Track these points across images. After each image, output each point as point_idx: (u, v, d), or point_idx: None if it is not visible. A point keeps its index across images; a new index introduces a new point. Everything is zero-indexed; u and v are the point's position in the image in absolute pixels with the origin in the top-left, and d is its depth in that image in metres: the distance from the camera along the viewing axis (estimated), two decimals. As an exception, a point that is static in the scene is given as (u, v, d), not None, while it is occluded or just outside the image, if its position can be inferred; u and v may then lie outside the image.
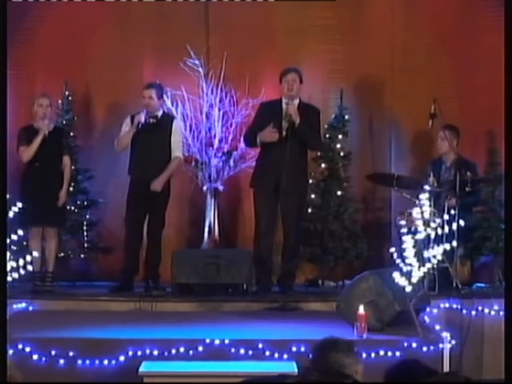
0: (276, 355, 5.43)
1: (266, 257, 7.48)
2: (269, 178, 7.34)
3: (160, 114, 7.64)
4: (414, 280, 5.56)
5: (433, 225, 5.74)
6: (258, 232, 7.53)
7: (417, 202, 6.34)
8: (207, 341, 5.53)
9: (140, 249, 7.61)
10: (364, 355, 5.43)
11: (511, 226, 5.07)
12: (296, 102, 7.50)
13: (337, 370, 3.11)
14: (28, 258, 5.87)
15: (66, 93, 8.20)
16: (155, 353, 5.45)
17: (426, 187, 6.33)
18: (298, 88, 7.52)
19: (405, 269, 5.57)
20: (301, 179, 7.51)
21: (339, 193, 8.08)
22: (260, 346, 5.48)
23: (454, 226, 6.15)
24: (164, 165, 7.53)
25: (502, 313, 6.25)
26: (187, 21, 8.40)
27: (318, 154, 8.13)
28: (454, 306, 6.74)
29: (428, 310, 6.47)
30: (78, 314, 6.74)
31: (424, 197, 5.87)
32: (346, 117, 8.21)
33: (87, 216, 8.14)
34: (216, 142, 8.12)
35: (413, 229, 5.79)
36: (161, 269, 7.60)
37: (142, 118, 7.47)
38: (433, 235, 5.65)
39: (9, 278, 5.65)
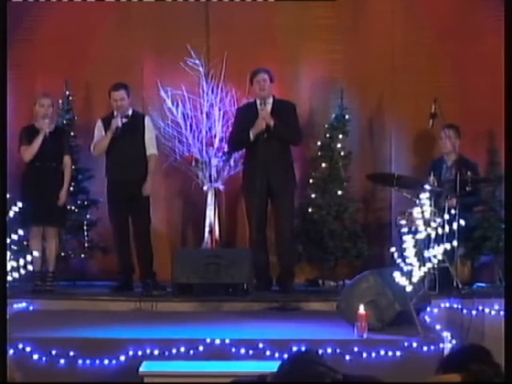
0: (276, 355, 5.42)
1: (260, 256, 7.49)
2: (256, 181, 7.36)
3: (130, 113, 7.65)
4: (415, 280, 5.56)
5: (433, 224, 5.74)
6: (251, 233, 7.61)
7: (417, 201, 6.34)
8: (208, 340, 5.53)
9: (130, 248, 7.63)
10: (364, 355, 5.44)
11: (511, 226, 5.07)
12: (270, 101, 7.58)
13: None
14: (28, 257, 5.87)
15: (67, 93, 8.21)
16: (156, 353, 5.45)
17: (427, 187, 6.34)
18: (270, 87, 7.59)
19: (405, 268, 5.57)
20: (287, 177, 7.58)
21: (339, 192, 8.07)
22: (260, 345, 5.48)
23: (455, 225, 6.15)
24: (140, 163, 7.54)
25: (502, 312, 6.24)
26: (187, 21, 8.39)
27: (319, 153, 8.14)
28: (455, 305, 6.75)
29: (428, 309, 6.48)
30: (79, 313, 6.73)
31: (424, 196, 5.87)
32: (347, 116, 8.20)
33: (87, 216, 8.15)
34: (216, 142, 8.12)
35: (413, 228, 5.79)
36: (161, 268, 7.60)
37: (118, 122, 7.49)
38: (433, 235, 5.65)
39: (9, 278, 5.65)
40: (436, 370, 2.94)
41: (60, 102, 8.17)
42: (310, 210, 8.04)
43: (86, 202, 8.16)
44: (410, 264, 5.55)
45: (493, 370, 2.75)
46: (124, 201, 7.53)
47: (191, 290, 7.26)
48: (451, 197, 7.19)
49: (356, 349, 5.47)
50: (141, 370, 5.19)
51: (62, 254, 7.92)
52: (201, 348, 5.49)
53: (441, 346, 5.56)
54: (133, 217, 7.60)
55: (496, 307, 6.58)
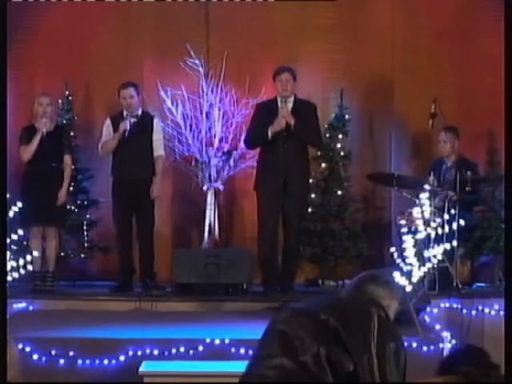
0: (276, 355, 5.41)
1: (272, 258, 7.46)
2: (271, 180, 7.28)
3: (140, 112, 7.64)
4: (415, 280, 5.56)
5: (433, 224, 5.75)
6: (262, 234, 7.48)
7: (417, 201, 6.34)
8: (207, 340, 5.53)
9: (131, 248, 7.62)
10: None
11: (511, 226, 5.07)
12: (291, 100, 7.45)
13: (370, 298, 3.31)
14: (28, 257, 5.86)
15: (66, 92, 8.21)
16: (155, 352, 5.45)
17: (427, 187, 6.34)
18: (293, 87, 7.44)
19: (405, 268, 5.57)
20: (302, 179, 7.49)
21: (339, 192, 8.08)
22: (260, 345, 5.47)
23: (455, 225, 6.15)
24: (147, 164, 7.54)
25: (502, 312, 6.24)
26: (187, 21, 8.40)
27: (319, 153, 8.14)
28: (455, 305, 6.74)
29: (428, 309, 6.47)
30: (78, 313, 6.73)
31: (424, 196, 5.88)
32: (346, 116, 8.21)
33: (87, 215, 8.15)
34: (216, 142, 8.12)
35: (413, 228, 5.79)
36: (161, 268, 7.61)
37: (127, 125, 7.45)
38: (433, 235, 5.66)
39: (9, 278, 5.64)
40: (436, 372, 2.98)
41: (60, 101, 8.17)
42: (309, 209, 8.04)
43: (85, 202, 8.17)
44: (410, 264, 5.55)
45: (483, 371, 2.79)
46: (129, 201, 7.51)
47: (191, 289, 7.27)
48: (451, 196, 7.19)
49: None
50: (141, 369, 5.18)
51: (62, 254, 7.92)
52: (200, 348, 5.50)
53: (440, 345, 5.56)
54: (137, 218, 7.57)
55: (496, 307, 6.58)
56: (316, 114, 7.52)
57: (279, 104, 7.41)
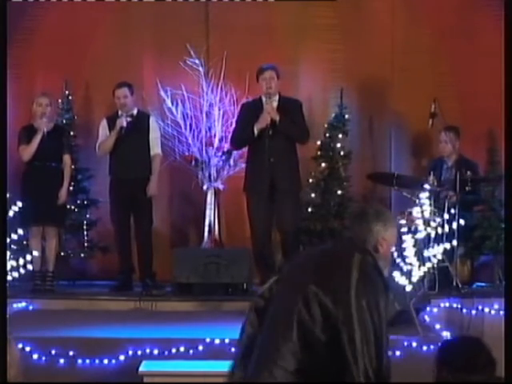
0: (276, 354, 5.41)
1: (267, 257, 7.44)
2: (261, 180, 7.22)
3: (135, 112, 7.65)
4: (414, 279, 5.57)
5: (433, 224, 5.76)
6: (255, 235, 7.43)
7: (417, 201, 6.35)
8: (207, 340, 5.54)
9: (130, 247, 7.62)
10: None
11: (511, 226, 5.07)
12: (276, 98, 7.39)
13: (362, 239, 3.33)
14: (28, 257, 5.89)
15: (66, 92, 8.22)
16: (155, 352, 5.46)
17: (426, 186, 6.34)
18: (277, 85, 7.35)
19: (405, 268, 5.57)
20: (293, 176, 7.40)
21: (339, 192, 8.07)
22: (260, 345, 5.47)
23: (454, 225, 6.15)
24: (144, 163, 7.55)
25: (502, 312, 6.24)
26: (187, 21, 8.40)
27: (318, 153, 8.14)
28: (454, 305, 6.74)
29: (428, 309, 6.48)
30: (78, 313, 6.75)
31: (424, 196, 5.88)
32: (346, 116, 8.21)
33: (87, 215, 8.15)
34: (216, 142, 8.12)
35: (413, 228, 5.79)
36: (161, 268, 7.61)
37: (123, 122, 7.47)
38: (433, 234, 5.67)
39: (9, 277, 5.66)
40: (433, 363, 2.98)
41: (60, 101, 8.18)
42: (309, 209, 8.04)
43: (85, 202, 8.17)
44: (410, 264, 5.56)
45: (459, 374, 2.81)
46: (127, 200, 7.52)
47: (191, 289, 7.27)
48: (451, 196, 7.19)
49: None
50: (140, 369, 5.19)
51: (62, 254, 7.92)
52: (200, 348, 5.51)
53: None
54: (135, 217, 7.58)
55: (496, 307, 6.58)
56: (301, 110, 7.45)
57: (264, 102, 7.38)
